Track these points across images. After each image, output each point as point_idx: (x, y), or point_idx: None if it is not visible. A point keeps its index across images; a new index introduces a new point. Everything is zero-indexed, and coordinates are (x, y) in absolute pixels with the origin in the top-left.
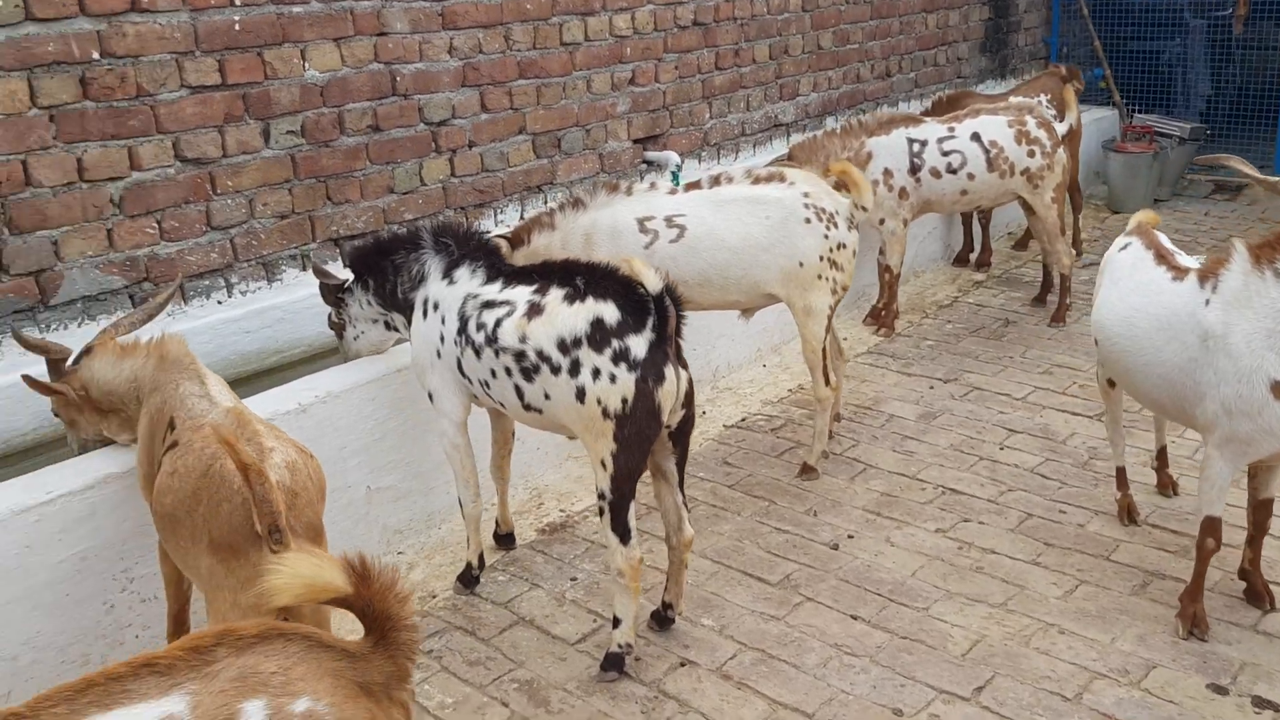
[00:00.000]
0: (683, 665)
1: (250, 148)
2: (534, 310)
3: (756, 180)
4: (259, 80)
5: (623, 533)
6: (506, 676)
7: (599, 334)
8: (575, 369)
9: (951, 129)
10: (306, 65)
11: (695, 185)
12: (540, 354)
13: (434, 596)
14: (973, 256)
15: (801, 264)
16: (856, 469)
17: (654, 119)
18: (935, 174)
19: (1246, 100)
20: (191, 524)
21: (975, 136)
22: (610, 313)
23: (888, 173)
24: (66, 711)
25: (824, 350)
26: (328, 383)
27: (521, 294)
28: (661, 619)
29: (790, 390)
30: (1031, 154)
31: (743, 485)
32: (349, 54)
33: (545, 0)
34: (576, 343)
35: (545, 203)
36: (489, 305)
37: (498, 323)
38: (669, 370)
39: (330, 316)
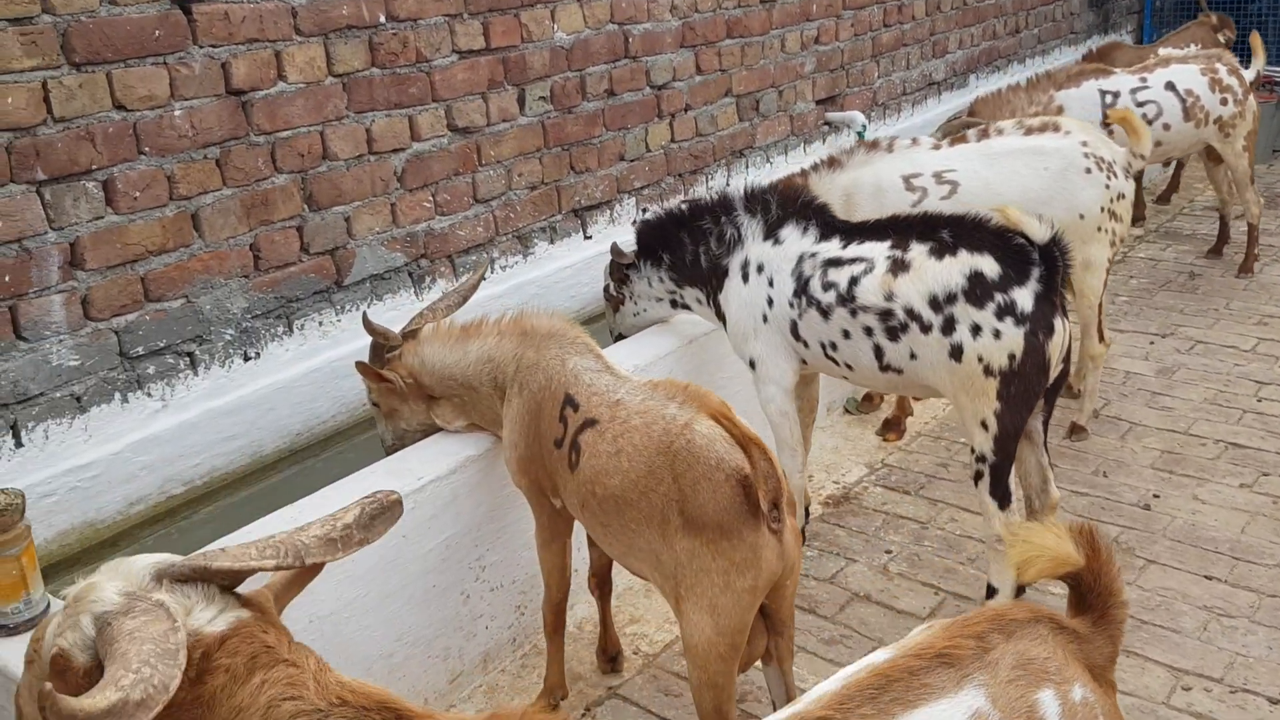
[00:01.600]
0: None
1: (509, 115)
2: (898, 266)
3: (1029, 131)
4: (516, 44)
5: (1002, 497)
6: None
7: (978, 288)
8: (949, 326)
9: (1144, 79)
10: (555, 27)
11: (960, 139)
12: (909, 312)
13: None
14: None
15: (1082, 216)
16: (1123, 427)
17: (833, 79)
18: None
19: None
20: (648, 505)
21: (1170, 86)
22: (989, 265)
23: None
24: (873, 712)
25: (1099, 305)
26: (628, 354)
27: (876, 250)
28: (992, 589)
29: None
30: (1224, 102)
31: None
32: (590, 15)
33: None
34: (951, 299)
35: (746, 168)
36: (834, 263)
37: (853, 281)
38: (1058, 322)
39: (607, 289)
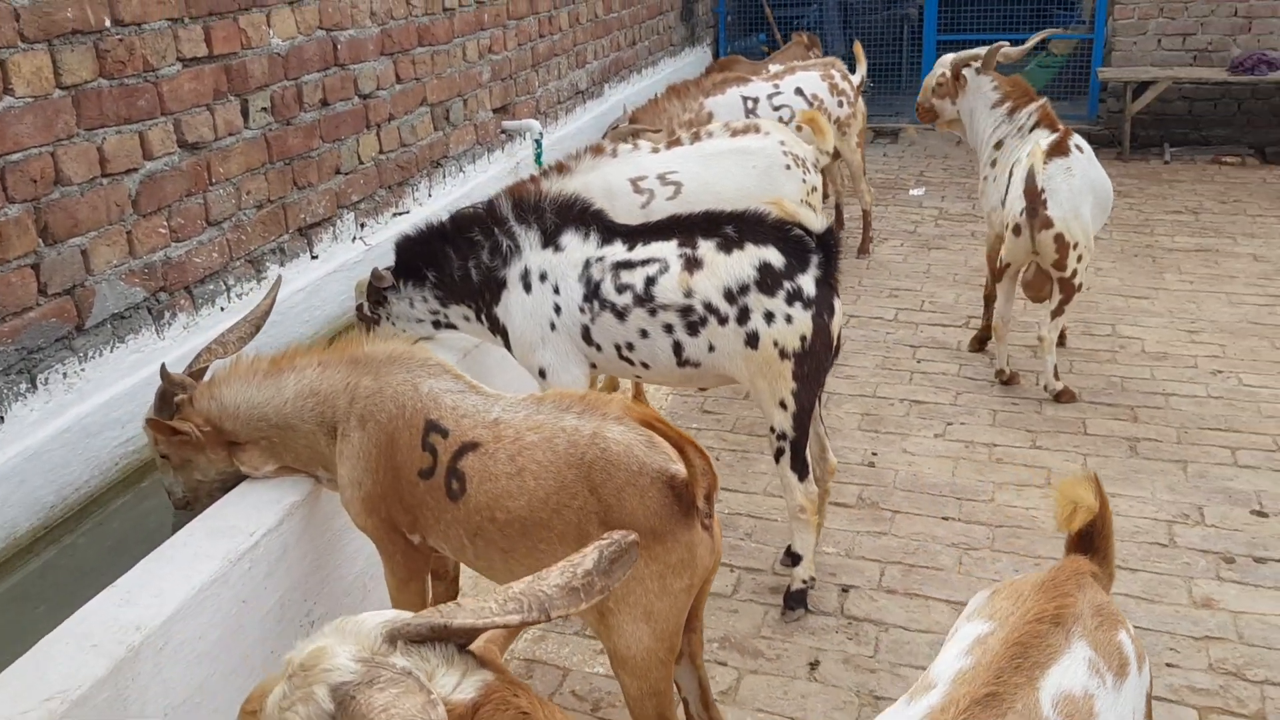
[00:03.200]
0: (845, 590)
1: (234, 128)
2: (692, 264)
3: (735, 133)
4: (236, 50)
5: (801, 469)
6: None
7: (768, 278)
8: (744, 316)
9: (777, 86)
10: (271, 33)
11: (676, 142)
12: (708, 306)
13: None
14: None
15: None
16: (823, 397)
17: (505, 87)
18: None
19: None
20: (561, 521)
21: (799, 91)
22: (774, 256)
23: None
24: (1024, 680)
25: None
26: None
27: (666, 250)
28: (794, 555)
29: None
30: (841, 104)
31: (741, 427)
32: (301, 20)
33: None
34: (744, 290)
35: (444, 179)
36: (625, 266)
37: (650, 281)
38: (837, 303)
39: (361, 309)
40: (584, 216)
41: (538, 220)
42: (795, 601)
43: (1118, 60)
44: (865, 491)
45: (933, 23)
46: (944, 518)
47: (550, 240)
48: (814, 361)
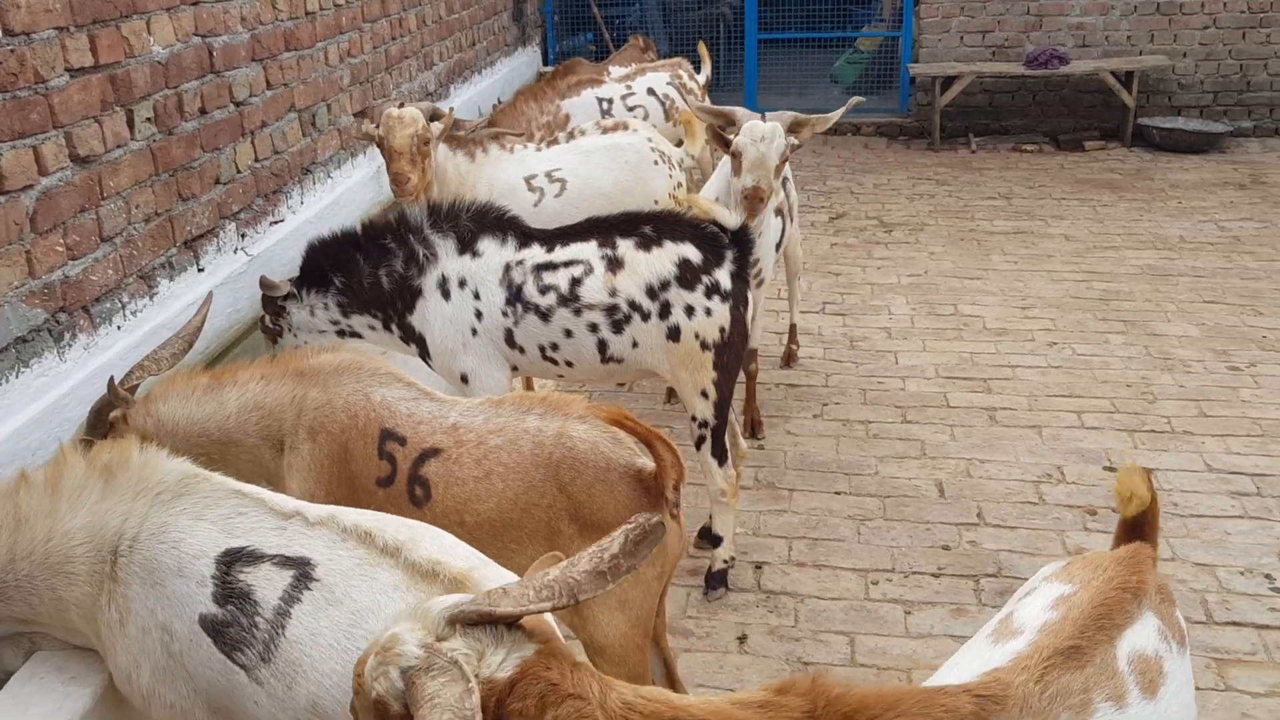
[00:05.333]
0: (758, 568)
1: (121, 140)
2: (614, 264)
3: (606, 130)
4: (120, 59)
5: (721, 455)
6: None
7: (687, 274)
8: (665, 311)
9: (629, 87)
10: (152, 40)
11: (554, 141)
12: (631, 304)
13: None
14: None
15: (656, 203)
16: None
17: (364, 91)
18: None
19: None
20: (531, 521)
21: (651, 91)
22: (692, 252)
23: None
24: (1105, 638)
25: None
26: None
27: (586, 250)
28: (714, 536)
29: None
30: (690, 103)
31: None
32: (178, 26)
33: None
34: (665, 286)
35: (314, 185)
36: (547, 268)
37: (575, 282)
38: (750, 295)
39: (265, 321)
40: (500, 222)
41: (454, 227)
42: (717, 581)
43: (925, 56)
44: (760, 473)
45: (753, 21)
46: (836, 492)
47: (467, 246)
48: (732, 352)
